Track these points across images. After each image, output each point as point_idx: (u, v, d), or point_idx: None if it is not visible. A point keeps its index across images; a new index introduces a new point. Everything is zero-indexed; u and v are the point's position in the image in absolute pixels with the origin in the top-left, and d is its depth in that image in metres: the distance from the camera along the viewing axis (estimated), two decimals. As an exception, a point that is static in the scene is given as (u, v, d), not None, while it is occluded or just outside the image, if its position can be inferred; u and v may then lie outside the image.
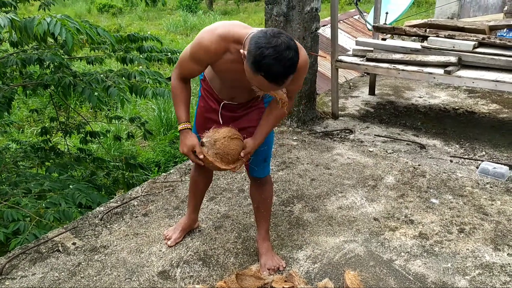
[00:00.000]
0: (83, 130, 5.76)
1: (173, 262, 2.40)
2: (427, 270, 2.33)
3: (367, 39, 4.38)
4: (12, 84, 5.34)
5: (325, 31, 11.99)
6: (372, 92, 4.88)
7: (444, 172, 3.26)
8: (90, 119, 8.85)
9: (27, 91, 5.35)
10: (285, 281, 2.17)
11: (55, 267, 2.36)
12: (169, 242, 2.53)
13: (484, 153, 3.54)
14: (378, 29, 4.25)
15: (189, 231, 2.63)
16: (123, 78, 4.60)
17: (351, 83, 5.31)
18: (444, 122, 4.15)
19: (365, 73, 5.39)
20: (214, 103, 2.14)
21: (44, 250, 2.50)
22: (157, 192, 3.07)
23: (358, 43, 4.20)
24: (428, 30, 3.88)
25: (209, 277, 2.29)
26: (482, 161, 3.36)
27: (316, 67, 4.09)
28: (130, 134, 6.32)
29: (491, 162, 3.31)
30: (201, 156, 1.98)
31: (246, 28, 1.84)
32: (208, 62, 1.96)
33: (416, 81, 5.17)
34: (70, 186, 4.42)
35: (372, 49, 4.07)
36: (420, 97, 4.84)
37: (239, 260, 2.41)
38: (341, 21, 12.55)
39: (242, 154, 2.01)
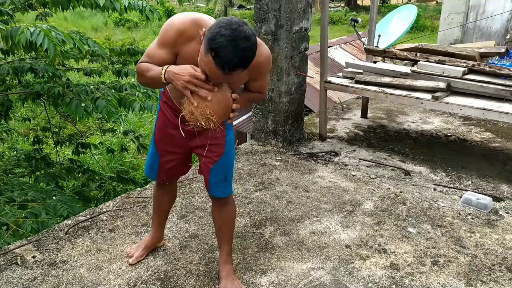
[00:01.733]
0: (75, 141, 5.76)
1: (131, 281, 2.32)
2: (393, 303, 2.22)
3: (358, 61, 4.33)
4: (10, 92, 5.38)
5: (330, 52, 12.01)
6: (364, 115, 4.80)
7: (426, 201, 3.16)
8: (94, 131, 8.89)
9: (22, 100, 5.37)
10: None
11: (9, 281, 2.30)
12: (130, 260, 2.45)
13: (470, 182, 3.44)
14: (370, 52, 4.20)
15: (153, 249, 2.55)
16: (113, 90, 4.60)
17: (344, 105, 5.25)
18: (434, 149, 4.06)
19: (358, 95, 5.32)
20: (173, 117, 2.08)
21: (2, 262, 2.44)
22: (128, 207, 3.01)
23: (348, 65, 4.15)
24: (418, 54, 3.82)
25: (165, 299, 2.21)
26: (467, 190, 3.25)
27: (304, 87, 4.04)
28: (123, 147, 6.31)
29: (475, 192, 3.21)
30: (203, 77, 1.75)
31: None
32: (175, 46, 1.88)
33: (411, 105, 5.08)
34: (53, 198, 4.38)
35: (362, 71, 4.01)
36: (413, 122, 4.75)
37: (199, 283, 2.33)
38: (347, 43, 12.62)
39: (234, 105, 1.86)
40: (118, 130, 6.10)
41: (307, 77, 3.97)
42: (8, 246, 2.62)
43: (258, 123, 4.06)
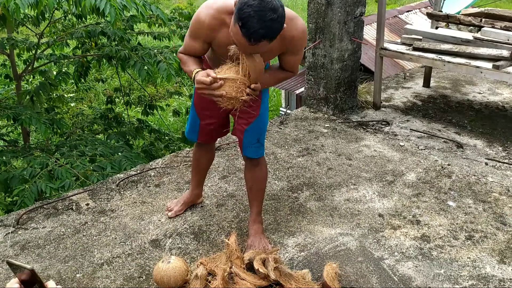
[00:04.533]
0: (143, 102, 6.11)
1: (167, 232, 2.52)
2: (415, 273, 2.22)
3: (417, 27, 4.13)
4: (88, 54, 5.79)
5: (409, 17, 11.40)
6: (426, 84, 4.60)
7: (474, 175, 3.03)
8: (160, 96, 9.31)
9: (97, 61, 5.75)
10: (263, 262, 2.17)
11: (64, 223, 2.59)
12: (169, 214, 2.65)
13: (528, 158, 3.23)
14: (432, 16, 3.99)
15: (192, 206, 2.73)
16: (175, 54, 4.79)
17: (407, 73, 5.05)
18: (496, 122, 3.83)
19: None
20: None
21: (60, 207, 2.75)
22: (175, 165, 3.21)
23: (407, 31, 3.98)
24: (483, 20, 3.57)
25: (195, 251, 2.38)
26: (522, 167, 3.07)
27: (359, 54, 3.95)
28: (188, 110, 6.59)
29: (531, 169, 3.02)
30: (213, 75, 1.87)
31: None
32: (205, 38, 2.01)
33: (471, 75, 4.78)
34: (119, 153, 4.75)
35: (421, 37, 3.83)
36: (480, 93, 4.48)
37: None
38: (428, 7, 11.90)
39: (247, 90, 1.94)
40: (183, 94, 6.38)
41: (372, 39, 3.86)
42: (67, 193, 2.94)
43: (310, 89, 4.06)
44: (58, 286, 1.15)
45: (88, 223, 2.60)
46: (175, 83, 11.27)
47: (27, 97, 4.95)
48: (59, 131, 5.25)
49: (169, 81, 4.47)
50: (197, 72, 1.95)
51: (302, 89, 7.94)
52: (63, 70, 4.99)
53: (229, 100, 1.92)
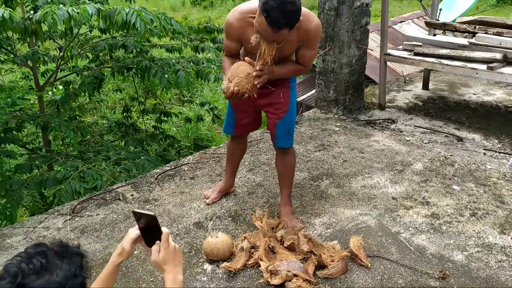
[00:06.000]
0: (157, 111, 6.45)
1: (208, 216, 2.85)
2: (429, 244, 2.56)
3: (416, 33, 4.52)
4: (103, 66, 6.13)
5: (402, 27, 11.88)
6: (425, 87, 4.99)
7: (474, 163, 3.40)
8: (173, 104, 9.68)
9: (114, 72, 6.10)
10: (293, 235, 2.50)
11: (114, 211, 2.92)
12: (207, 201, 2.99)
13: (521, 149, 3.61)
14: (430, 25, 4.39)
15: (226, 194, 3.06)
16: (192, 64, 5.16)
17: (407, 78, 5.44)
18: (491, 119, 4.21)
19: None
20: None
21: (108, 198, 3.07)
22: (205, 161, 3.55)
23: (408, 38, 4.37)
24: (477, 27, 3.97)
25: (235, 230, 2.71)
26: (516, 155, 3.44)
27: (365, 59, 4.34)
28: (200, 117, 6.94)
29: (524, 157, 3.39)
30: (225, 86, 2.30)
31: None
32: (236, 37, 2.40)
33: (475, 78, 5.18)
34: (142, 157, 5.09)
35: (421, 44, 4.23)
36: (475, 94, 4.88)
37: (263, 220, 2.80)
38: (420, 18, 12.40)
39: (254, 73, 2.29)
40: (195, 102, 6.75)
41: (372, 51, 4.25)
42: (112, 186, 3.26)
43: (321, 92, 4.43)
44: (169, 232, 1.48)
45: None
46: (175, 95, 11.68)
47: (53, 106, 5.27)
48: (81, 137, 5.56)
49: (188, 87, 4.82)
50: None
51: (303, 96, 8.35)
52: (87, 81, 5.32)
53: (247, 90, 2.30)
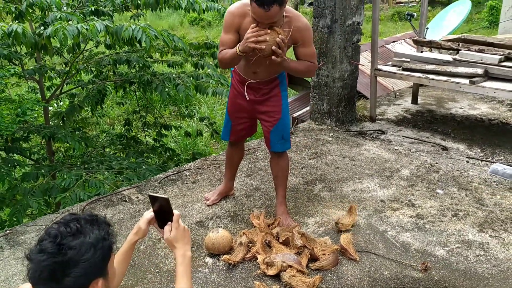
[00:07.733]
0: (158, 124, 6.68)
1: (208, 216, 3.06)
2: (413, 241, 2.78)
3: (405, 51, 4.80)
4: (107, 80, 6.38)
5: (395, 47, 12.24)
6: (414, 101, 5.26)
7: (458, 170, 3.64)
8: (172, 118, 9.93)
9: (117, 87, 6.35)
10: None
11: (121, 211, 3.12)
12: (208, 202, 3.20)
13: (502, 157, 3.85)
14: (417, 43, 4.68)
15: (225, 196, 3.27)
16: (191, 78, 5.42)
17: (397, 93, 5.72)
18: (475, 130, 4.46)
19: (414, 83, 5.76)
20: (241, 89, 2.78)
21: (115, 199, 3.28)
22: (205, 167, 3.77)
23: (396, 54, 4.65)
24: (461, 44, 4.25)
25: (234, 228, 2.92)
26: (496, 163, 3.68)
27: (356, 74, 4.60)
28: (199, 131, 7.17)
29: (504, 164, 3.63)
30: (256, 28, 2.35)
31: None
32: (236, 27, 2.55)
33: (462, 93, 5.46)
34: (143, 167, 5.29)
35: (409, 60, 4.50)
36: (461, 108, 5.14)
37: (260, 220, 3.01)
38: (412, 38, 12.78)
39: (278, 38, 2.34)
40: (194, 117, 7.00)
41: (364, 69, 4.52)
42: (118, 189, 3.47)
43: (315, 105, 4.68)
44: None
45: (141, 210, 3.13)
46: (172, 112, 11.94)
47: (58, 117, 5.50)
48: (86, 148, 5.77)
49: (187, 100, 5.06)
50: (238, 45, 2.44)
51: (298, 112, 8.62)
52: (91, 94, 5.56)
53: (268, 49, 2.36)
